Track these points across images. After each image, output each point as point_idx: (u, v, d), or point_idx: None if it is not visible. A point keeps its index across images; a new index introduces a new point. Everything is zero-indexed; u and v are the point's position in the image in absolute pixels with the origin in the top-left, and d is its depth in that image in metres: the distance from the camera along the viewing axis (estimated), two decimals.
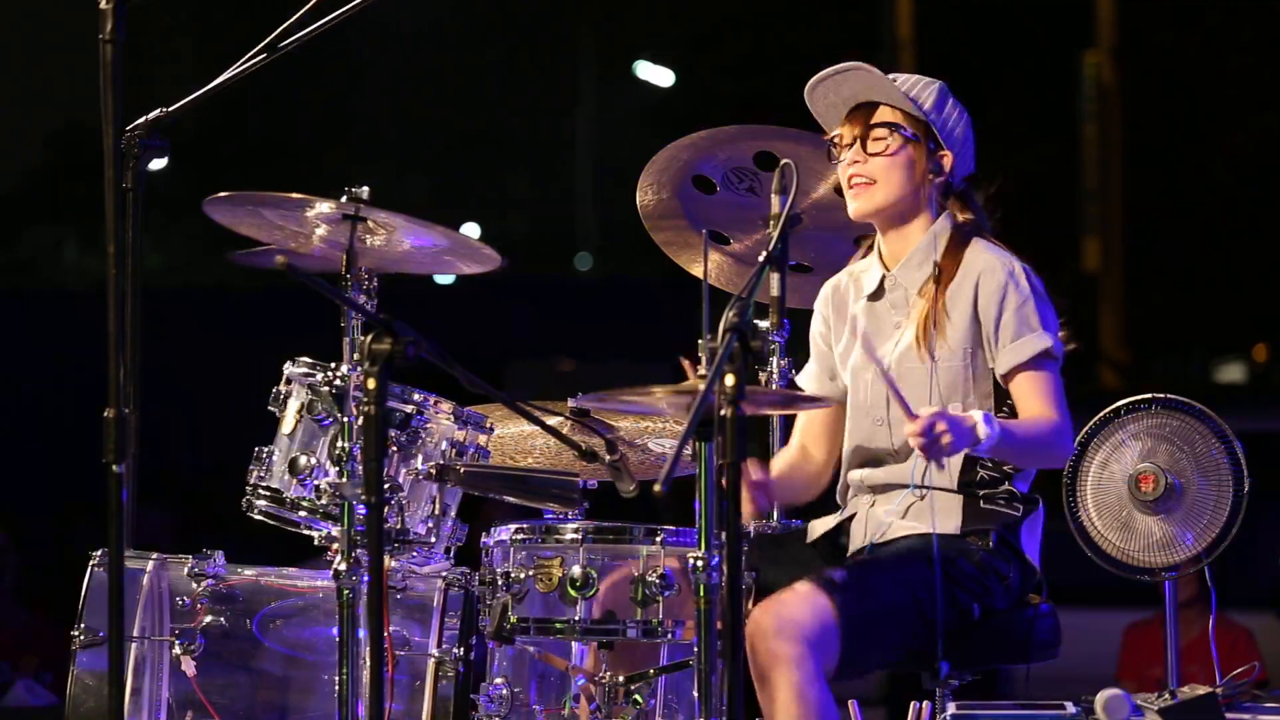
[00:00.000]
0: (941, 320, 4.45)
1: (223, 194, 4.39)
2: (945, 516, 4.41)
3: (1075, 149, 19.60)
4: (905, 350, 4.48)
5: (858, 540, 4.50)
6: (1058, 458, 4.51)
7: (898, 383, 4.35)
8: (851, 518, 4.54)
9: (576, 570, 4.29)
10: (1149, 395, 5.22)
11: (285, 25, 4.85)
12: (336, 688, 4.17)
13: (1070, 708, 4.44)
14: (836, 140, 4.55)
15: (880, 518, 4.46)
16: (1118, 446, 5.21)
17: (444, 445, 4.48)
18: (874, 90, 4.50)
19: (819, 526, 4.59)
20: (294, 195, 4.33)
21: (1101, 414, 5.24)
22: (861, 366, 4.55)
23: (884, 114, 4.50)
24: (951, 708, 4.42)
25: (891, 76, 4.53)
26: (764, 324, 4.77)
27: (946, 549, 4.35)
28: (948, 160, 4.51)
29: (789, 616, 4.17)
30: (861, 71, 4.49)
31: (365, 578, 4.20)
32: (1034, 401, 4.40)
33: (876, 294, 4.56)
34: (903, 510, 4.44)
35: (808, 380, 4.70)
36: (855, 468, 4.55)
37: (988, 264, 4.45)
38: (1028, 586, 4.48)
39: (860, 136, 4.50)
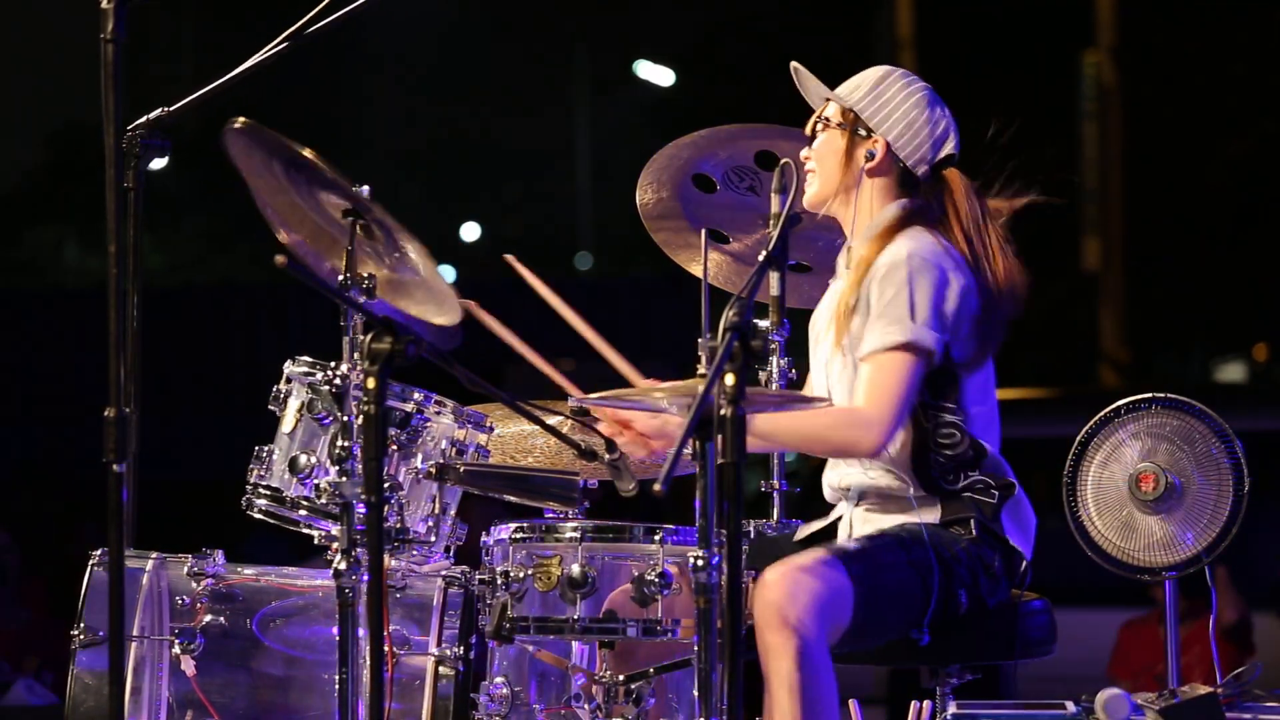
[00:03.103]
0: (849, 311, 4.47)
1: (245, 122, 4.18)
2: (926, 510, 4.44)
3: (1075, 149, 19.60)
4: (832, 339, 4.53)
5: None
6: (846, 448, 4.41)
7: (831, 369, 4.42)
8: (839, 520, 4.56)
9: (576, 569, 4.29)
10: (1149, 395, 5.22)
11: (290, 29, 4.86)
12: (336, 687, 4.17)
13: (1070, 707, 4.44)
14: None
15: (863, 514, 4.49)
16: (1118, 446, 5.21)
17: (444, 444, 4.48)
18: (813, 89, 4.67)
19: (807, 530, 4.62)
20: (309, 155, 4.17)
21: (1101, 413, 5.24)
22: (828, 359, 4.58)
23: (826, 108, 4.65)
24: (952, 707, 4.43)
25: (869, 71, 4.60)
26: (764, 323, 4.77)
27: (933, 536, 4.38)
28: (880, 146, 4.53)
29: (787, 608, 4.17)
30: (801, 74, 4.66)
31: (365, 577, 4.19)
32: (860, 387, 4.38)
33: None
34: (879, 504, 4.48)
35: None
36: (831, 467, 4.58)
37: (882, 258, 4.45)
38: (1014, 573, 4.48)
39: (810, 134, 4.66)
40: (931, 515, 4.44)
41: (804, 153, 4.64)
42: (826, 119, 4.60)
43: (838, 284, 4.62)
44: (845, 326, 4.45)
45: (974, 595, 4.39)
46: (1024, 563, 4.49)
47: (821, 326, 4.64)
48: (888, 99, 4.54)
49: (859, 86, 4.57)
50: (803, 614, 4.15)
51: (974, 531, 4.42)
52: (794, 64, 4.65)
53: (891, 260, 4.41)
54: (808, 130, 4.66)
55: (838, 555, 4.28)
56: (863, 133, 4.54)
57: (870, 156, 4.54)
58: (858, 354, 4.41)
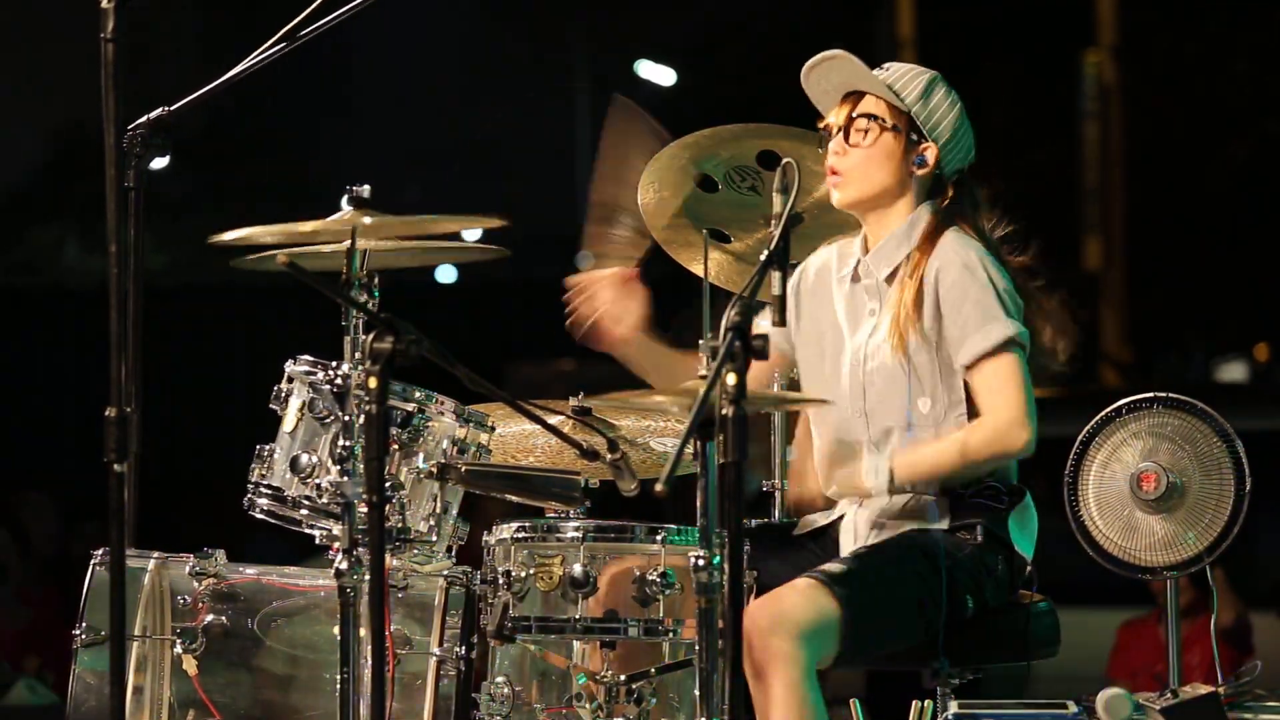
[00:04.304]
0: (912, 312, 4.43)
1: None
2: (933, 514, 4.43)
3: (1075, 149, 19.59)
4: (880, 342, 4.47)
5: (847, 544, 4.51)
6: (1003, 456, 4.43)
7: (874, 374, 4.38)
8: (841, 518, 4.55)
9: (578, 569, 4.29)
10: (1150, 394, 5.21)
11: (288, 26, 4.85)
12: (338, 687, 4.16)
13: (1072, 707, 4.44)
14: (829, 127, 4.57)
15: (869, 518, 4.47)
16: (1119, 445, 5.20)
17: (445, 444, 4.48)
18: (859, 80, 4.51)
19: (809, 523, 4.60)
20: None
21: (1103, 413, 5.23)
22: (844, 352, 4.54)
23: (868, 104, 4.51)
24: (953, 706, 4.42)
25: (886, 66, 4.54)
26: (765, 323, 4.76)
27: (939, 543, 4.37)
28: (931, 152, 4.49)
29: (786, 613, 4.17)
30: (845, 60, 4.50)
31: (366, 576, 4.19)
32: (985, 396, 4.38)
33: (855, 277, 4.58)
34: (894, 510, 4.45)
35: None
36: (837, 466, 4.54)
37: (945, 259, 4.42)
38: (1018, 579, 4.48)
39: (844, 126, 4.52)
40: (939, 521, 4.43)
41: (834, 147, 4.53)
42: (879, 119, 4.50)
43: (852, 287, 4.57)
44: (913, 326, 4.42)
45: (978, 599, 4.39)
46: (1027, 567, 4.49)
47: (836, 330, 4.59)
48: (936, 104, 4.48)
49: (906, 86, 4.49)
50: (787, 643, 4.14)
51: (979, 537, 4.41)
52: (839, 51, 4.49)
53: (950, 268, 4.39)
54: (840, 120, 4.53)
55: (823, 580, 4.26)
56: (914, 137, 4.50)
57: (922, 163, 4.50)
58: (961, 361, 4.38)
